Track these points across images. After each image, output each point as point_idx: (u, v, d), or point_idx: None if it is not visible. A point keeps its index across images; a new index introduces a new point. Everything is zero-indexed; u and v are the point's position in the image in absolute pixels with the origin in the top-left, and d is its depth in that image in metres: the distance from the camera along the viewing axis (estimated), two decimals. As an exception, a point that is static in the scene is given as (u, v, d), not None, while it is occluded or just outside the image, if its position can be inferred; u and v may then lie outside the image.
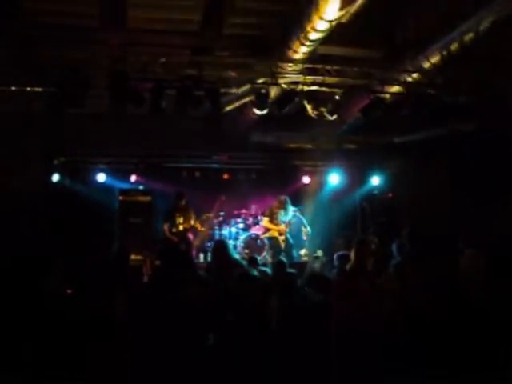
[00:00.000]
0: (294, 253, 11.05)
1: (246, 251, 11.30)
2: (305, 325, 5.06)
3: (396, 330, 5.35)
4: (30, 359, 3.03)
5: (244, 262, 6.95)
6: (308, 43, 6.59)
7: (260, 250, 11.13)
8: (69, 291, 4.44)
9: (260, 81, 7.79)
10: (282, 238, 10.84)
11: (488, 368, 5.22)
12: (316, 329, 5.02)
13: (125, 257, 7.07)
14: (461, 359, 5.30)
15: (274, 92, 8.04)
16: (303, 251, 11.35)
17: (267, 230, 11.02)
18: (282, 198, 10.97)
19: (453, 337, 5.39)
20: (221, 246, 6.84)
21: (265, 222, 11.03)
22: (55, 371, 3.05)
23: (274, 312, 5.19)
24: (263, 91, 7.77)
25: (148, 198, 11.73)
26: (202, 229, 11.15)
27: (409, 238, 6.32)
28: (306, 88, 7.88)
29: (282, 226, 10.87)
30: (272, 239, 10.81)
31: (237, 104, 8.69)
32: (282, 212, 10.88)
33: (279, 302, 5.33)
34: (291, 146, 11.66)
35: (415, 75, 7.86)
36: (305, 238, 11.12)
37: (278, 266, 6.41)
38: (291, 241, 11.01)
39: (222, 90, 7.73)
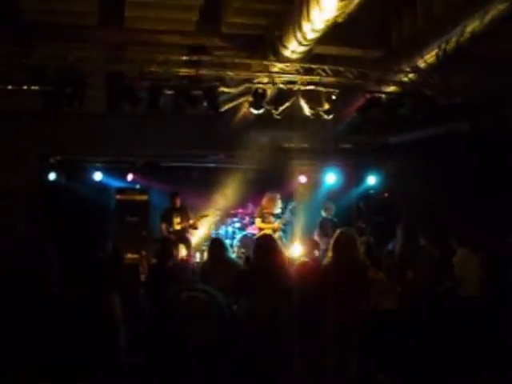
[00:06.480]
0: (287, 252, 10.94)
1: (243, 250, 11.30)
2: None
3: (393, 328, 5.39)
4: (28, 360, 3.04)
5: (239, 262, 6.96)
6: (305, 42, 6.61)
7: (256, 249, 11.10)
8: (65, 290, 4.44)
9: (257, 80, 7.81)
10: (276, 236, 10.72)
11: (484, 365, 5.26)
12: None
13: (119, 257, 7.10)
14: (456, 356, 5.33)
15: (270, 91, 8.05)
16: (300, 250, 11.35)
17: (261, 230, 10.96)
18: (270, 195, 10.85)
19: (448, 334, 5.43)
20: (217, 244, 6.86)
21: (257, 222, 10.92)
22: (53, 372, 3.05)
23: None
24: (260, 91, 7.79)
25: (144, 197, 11.73)
26: (199, 228, 11.16)
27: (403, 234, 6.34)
28: (302, 87, 7.91)
29: (276, 224, 10.77)
30: (266, 238, 10.70)
31: (234, 103, 8.70)
32: (273, 210, 10.76)
33: None
34: (287, 145, 11.67)
35: (411, 75, 7.89)
36: None
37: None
38: (285, 240, 10.96)
39: (219, 90, 7.75)
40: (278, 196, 10.85)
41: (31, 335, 3.04)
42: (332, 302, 5.06)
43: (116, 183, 11.86)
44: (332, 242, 5.54)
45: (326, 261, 5.67)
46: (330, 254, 5.49)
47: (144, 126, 9.86)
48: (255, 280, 5.22)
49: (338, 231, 5.66)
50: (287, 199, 11.23)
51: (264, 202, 10.83)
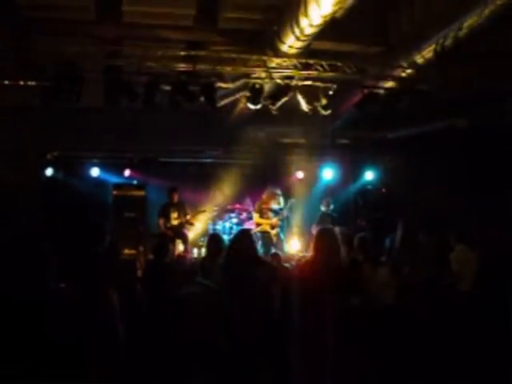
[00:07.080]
0: (285, 248, 10.98)
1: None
2: None
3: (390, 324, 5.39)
4: (26, 358, 3.02)
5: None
6: (303, 38, 6.60)
7: (253, 244, 11.07)
8: (62, 285, 4.44)
9: (254, 75, 7.80)
10: (273, 232, 10.73)
11: (482, 362, 5.26)
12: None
13: (115, 252, 7.09)
14: (454, 352, 5.33)
15: (268, 87, 8.04)
16: (297, 246, 11.35)
17: (258, 225, 10.95)
18: (271, 191, 10.84)
19: (444, 332, 5.43)
20: (215, 240, 6.85)
21: (255, 217, 10.92)
22: (53, 370, 3.04)
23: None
24: (257, 86, 7.78)
25: (142, 193, 11.71)
26: (197, 223, 11.15)
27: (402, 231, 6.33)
28: (300, 83, 7.90)
29: (274, 220, 10.77)
30: (264, 233, 10.68)
31: (231, 99, 8.69)
32: (272, 205, 10.75)
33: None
34: (285, 140, 11.66)
35: (409, 71, 7.89)
36: None
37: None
38: (282, 236, 10.96)
39: (217, 85, 7.74)
40: (279, 192, 10.83)
41: (29, 333, 3.04)
42: (308, 299, 5.03)
43: (113, 179, 11.84)
44: (313, 240, 5.49)
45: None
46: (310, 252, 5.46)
47: (141, 121, 9.85)
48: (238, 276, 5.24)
49: (317, 229, 5.61)
50: (285, 195, 11.22)
51: (264, 197, 10.81)
